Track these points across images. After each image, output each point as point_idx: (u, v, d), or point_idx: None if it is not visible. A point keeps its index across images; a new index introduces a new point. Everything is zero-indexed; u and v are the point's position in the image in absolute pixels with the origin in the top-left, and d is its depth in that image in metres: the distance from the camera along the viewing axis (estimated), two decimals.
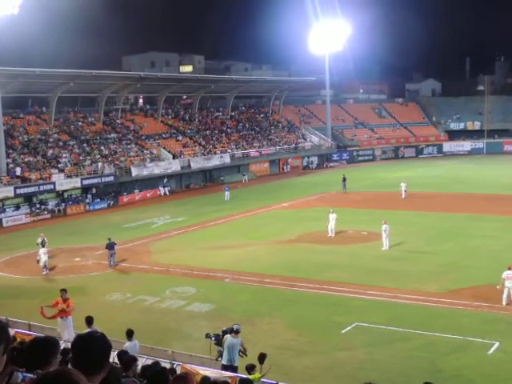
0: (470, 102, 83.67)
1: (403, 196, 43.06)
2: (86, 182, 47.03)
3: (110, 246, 27.36)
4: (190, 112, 67.04)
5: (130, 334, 13.69)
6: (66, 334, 16.48)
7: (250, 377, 11.46)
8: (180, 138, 60.50)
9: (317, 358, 16.16)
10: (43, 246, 27.64)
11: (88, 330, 13.68)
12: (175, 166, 54.54)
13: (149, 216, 40.59)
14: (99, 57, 74.50)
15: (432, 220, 35.02)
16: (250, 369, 11.94)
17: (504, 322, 18.55)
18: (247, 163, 62.01)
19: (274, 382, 12.23)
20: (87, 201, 46.51)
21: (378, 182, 52.55)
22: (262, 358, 12.24)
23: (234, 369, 13.40)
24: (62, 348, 3.64)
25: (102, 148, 52.60)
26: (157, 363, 9.40)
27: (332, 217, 31.85)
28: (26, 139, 49.66)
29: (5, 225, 40.21)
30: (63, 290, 17.68)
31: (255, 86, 72.99)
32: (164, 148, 56.65)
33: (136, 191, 50.79)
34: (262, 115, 73.57)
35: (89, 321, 14.42)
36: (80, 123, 55.43)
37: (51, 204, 44.54)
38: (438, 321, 18.75)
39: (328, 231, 31.79)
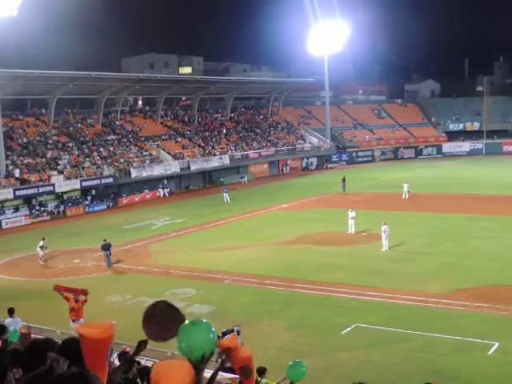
0: (469, 103, 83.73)
1: (404, 196, 43.10)
2: (85, 184, 47.03)
3: (106, 247, 27.57)
4: (189, 113, 67.05)
5: (11, 311, 14.82)
6: None
7: (263, 381, 11.28)
8: (179, 139, 60.50)
9: (317, 359, 16.14)
10: (41, 249, 28.93)
11: (9, 319, 14.23)
12: (174, 168, 54.56)
13: (148, 217, 40.58)
14: (98, 58, 74.61)
15: (431, 221, 35.01)
16: (262, 372, 11.64)
17: (504, 323, 18.55)
18: (246, 164, 61.98)
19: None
20: (86, 202, 46.51)
21: (378, 183, 52.55)
22: (261, 371, 11.82)
23: (234, 370, 13.33)
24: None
25: (102, 150, 52.62)
26: None
27: (351, 215, 32.27)
28: (25, 141, 49.65)
29: (4, 226, 40.20)
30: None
31: (254, 87, 73.01)
32: (163, 149, 56.65)
33: (146, 191, 51.15)
34: (261, 116, 73.58)
35: (10, 311, 14.97)
36: (79, 125, 55.42)
37: (50, 206, 44.51)
38: (437, 321, 18.75)
39: (348, 229, 32.35)
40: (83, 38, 72.04)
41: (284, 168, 66.24)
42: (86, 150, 51.80)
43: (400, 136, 78.69)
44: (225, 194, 46.31)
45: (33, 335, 14.13)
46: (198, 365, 3.24)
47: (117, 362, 9.34)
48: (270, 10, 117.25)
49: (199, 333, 3.33)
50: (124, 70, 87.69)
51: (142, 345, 3.95)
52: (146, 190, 51.36)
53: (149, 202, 49.29)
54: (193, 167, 56.09)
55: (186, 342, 3.29)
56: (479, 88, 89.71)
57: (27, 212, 42.59)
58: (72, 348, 3.32)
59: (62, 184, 45.35)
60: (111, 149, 53.38)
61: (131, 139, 56.69)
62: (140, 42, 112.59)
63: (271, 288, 23.29)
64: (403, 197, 43.11)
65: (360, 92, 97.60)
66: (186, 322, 3.41)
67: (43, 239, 29.28)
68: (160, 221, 39.32)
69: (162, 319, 3.57)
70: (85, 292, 17.33)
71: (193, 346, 3.26)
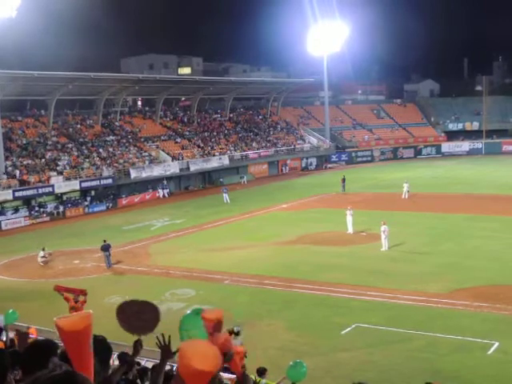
0: (468, 103, 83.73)
1: (404, 196, 43.10)
2: (84, 185, 47.02)
3: (105, 248, 27.61)
4: (188, 114, 67.04)
5: None
6: None
7: (263, 381, 11.25)
8: (179, 139, 60.49)
9: (317, 359, 16.13)
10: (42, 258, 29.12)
11: None
12: (174, 168, 54.53)
13: (148, 218, 40.55)
14: (98, 59, 74.51)
15: (431, 220, 35.00)
16: (262, 372, 11.59)
17: (504, 322, 18.55)
18: (246, 165, 61.95)
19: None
20: (86, 203, 46.49)
21: (377, 183, 52.55)
22: (261, 372, 11.74)
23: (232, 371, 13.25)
24: (60, 351, 3.63)
25: (101, 150, 52.60)
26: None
27: (349, 213, 32.34)
28: (24, 142, 49.63)
29: (4, 228, 40.17)
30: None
31: (254, 87, 73.01)
32: (163, 150, 56.64)
33: (150, 190, 51.24)
34: (260, 117, 73.58)
35: None
36: (78, 126, 55.40)
37: (50, 207, 44.48)
38: (437, 321, 18.74)
39: (348, 229, 32.45)
40: (82, 39, 72.06)
41: (283, 168, 66.23)
42: (86, 151, 51.79)
43: (399, 136, 78.69)
44: (224, 195, 46.27)
45: (32, 336, 14.11)
46: None
47: (116, 363, 9.32)
48: (270, 10, 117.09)
49: (201, 323, 3.33)
50: (123, 71, 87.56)
51: (137, 345, 3.94)
52: (150, 190, 51.46)
53: (148, 202, 49.27)
54: (192, 168, 56.07)
55: (189, 333, 3.28)
56: (478, 88, 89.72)
57: (27, 213, 42.56)
58: None
59: (61, 185, 45.33)
60: (110, 149, 53.36)
61: (130, 140, 56.68)
62: (139, 42, 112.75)
63: (271, 288, 23.28)
64: (403, 197, 43.11)
65: (359, 92, 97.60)
66: (188, 312, 3.42)
67: (43, 249, 29.22)
68: (159, 221, 39.30)
69: (134, 313, 3.59)
70: (83, 292, 17.33)
71: (195, 337, 3.25)
